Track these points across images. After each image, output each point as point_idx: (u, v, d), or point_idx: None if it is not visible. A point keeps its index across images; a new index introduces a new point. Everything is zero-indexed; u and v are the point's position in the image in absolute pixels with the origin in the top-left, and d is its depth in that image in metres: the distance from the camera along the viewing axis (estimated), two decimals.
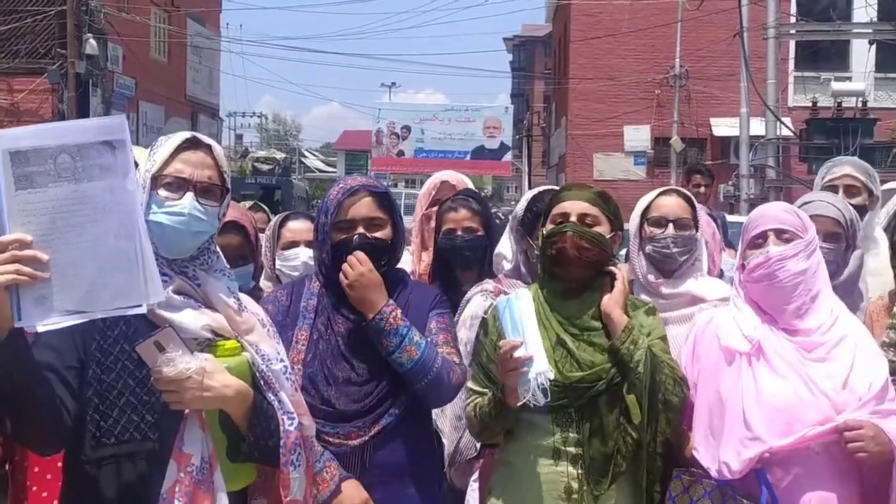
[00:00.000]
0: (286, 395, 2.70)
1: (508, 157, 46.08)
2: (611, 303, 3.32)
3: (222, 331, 2.64)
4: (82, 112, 26.18)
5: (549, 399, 3.14)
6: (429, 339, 3.28)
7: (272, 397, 2.67)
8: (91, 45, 26.12)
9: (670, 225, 3.87)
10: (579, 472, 3.24)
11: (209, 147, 2.74)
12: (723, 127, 32.85)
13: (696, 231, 3.92)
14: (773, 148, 21.23)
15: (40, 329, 2.33)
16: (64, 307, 2.31)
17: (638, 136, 35.25)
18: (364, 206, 3.32)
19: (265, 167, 30.93)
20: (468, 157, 43.61)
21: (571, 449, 3.25)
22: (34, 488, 3.38)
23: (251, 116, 73.37)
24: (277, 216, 4.76)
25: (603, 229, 3.37)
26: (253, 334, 2.71)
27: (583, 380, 3.25)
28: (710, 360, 3.40)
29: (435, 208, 4.64)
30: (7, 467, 3.37)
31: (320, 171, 68.84)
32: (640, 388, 3.22)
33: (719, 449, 3.25)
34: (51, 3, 25.94)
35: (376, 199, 3.34)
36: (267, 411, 2.64)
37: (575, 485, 3.24)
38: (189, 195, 2.66)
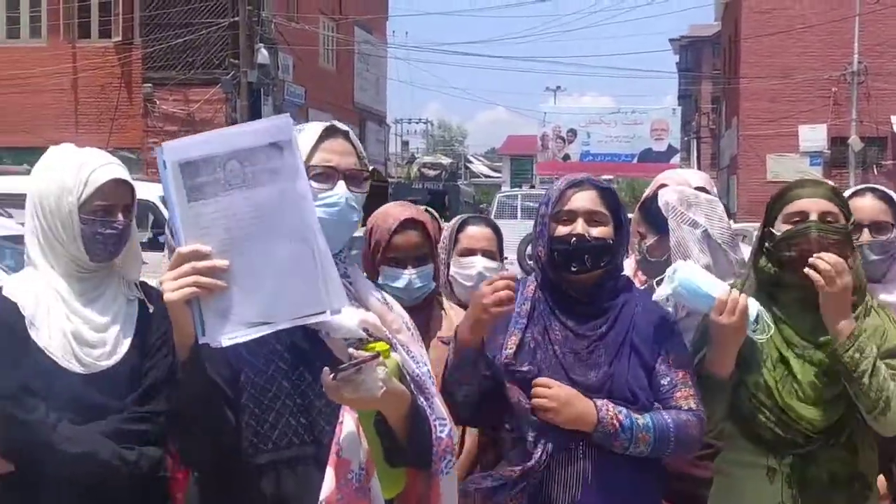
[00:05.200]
0: (439, 400, 2.60)
1: (676, 159, 45.16)
2: (829, 305, 3.01)
3: (375, 330, 2.53)
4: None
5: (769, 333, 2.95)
6: (655, 410, 3.00)
7: (423, 401, 2.56)
8: (262, 55, 26.80)
9: (865, 230, 3.53)
10: (794, 492, 3.03)
11: (347, 133, 2.67)
12: None
13: None
14: None
15: (225, 344, 2.22)
16: (247, 319, 2.22)
17: (814, 136, 34.15)
18: (587, 199, 3.08)
19: (432, 172, 31.16)
20: (635, 160, 42.93)
21: (787, 469, 3.05)
22: (179, 495, 3.31)
23: (417, 123, 74.33)
24: (456, 219, 4.46)
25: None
26: (402, 334, 2.62)
27: (801, 422, 3.02)
28: None
29: None
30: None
31: (486, 176, 69.06)
32: (867, 403, 2.98)
33: None
34: (224, 15, 26.72)
35: (600, 193, 3.11)
36: (422, 414, 2.53)
37: None
38: (341, 184, 2.57)
